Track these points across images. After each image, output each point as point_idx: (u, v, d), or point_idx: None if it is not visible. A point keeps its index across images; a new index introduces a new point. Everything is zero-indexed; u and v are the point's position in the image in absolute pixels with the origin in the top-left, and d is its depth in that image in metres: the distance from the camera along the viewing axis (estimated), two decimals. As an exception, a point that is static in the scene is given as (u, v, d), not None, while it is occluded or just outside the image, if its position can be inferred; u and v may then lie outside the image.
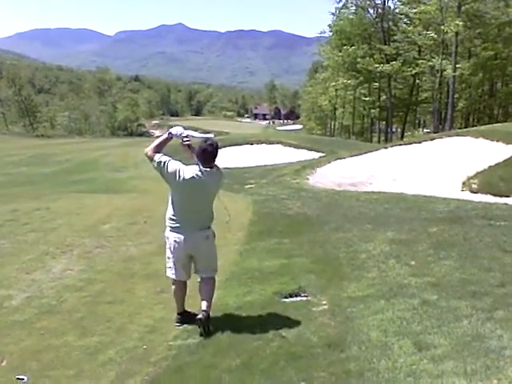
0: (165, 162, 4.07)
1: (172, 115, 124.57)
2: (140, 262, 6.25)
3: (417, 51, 45.10)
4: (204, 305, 4.07)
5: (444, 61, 38.23)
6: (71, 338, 4.18)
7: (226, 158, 19.46)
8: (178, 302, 4.35)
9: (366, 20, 47.89)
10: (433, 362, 3.14)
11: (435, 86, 41.88)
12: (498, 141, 14.85)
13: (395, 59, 43.35)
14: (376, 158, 16.93)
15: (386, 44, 44.88)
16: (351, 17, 48.18)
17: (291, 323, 4.01)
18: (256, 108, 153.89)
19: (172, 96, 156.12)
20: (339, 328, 3.83)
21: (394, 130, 51.44)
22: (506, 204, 9.29)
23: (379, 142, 45.72)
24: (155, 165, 4.11)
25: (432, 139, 18.23)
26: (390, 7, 46.97)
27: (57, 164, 24.40)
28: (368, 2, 46.35)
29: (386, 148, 18.81)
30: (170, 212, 4.15)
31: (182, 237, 4.08)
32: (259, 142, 26.87)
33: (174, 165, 4.07)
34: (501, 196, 10.87)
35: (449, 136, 18.11)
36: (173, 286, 4.36)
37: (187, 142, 4.18)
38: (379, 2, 45.94)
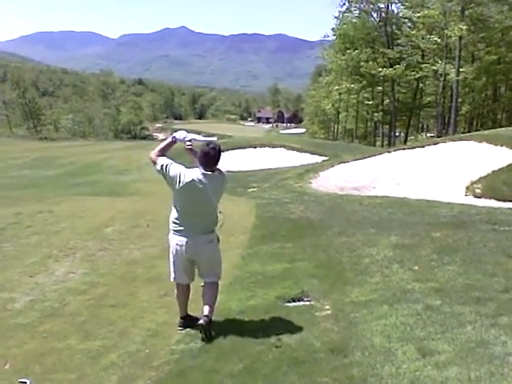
0: (167, 165, 4.08)
1: (175, 118, 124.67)
2: (143, 266, 6.25)
3: (420, 55, 45.13)
4: (206, 309, 4.05)
5: (447, 65, 38.27)
6: (74, 342, 4.17)
7: (228, 162, 19.47)
8: (180, 305, 4.34)
9: (370, 24, 47.96)
10: (436, 369, 3.13)
11: (439, 90, 41.89)
12: (501, 145, 14.81)
13: (399, 63, 43.41)
14: (379, 162, 16.91)
15: (389, 48, 44.92)
16: (355, 21, 48.25)
17: (294, 328, 3.99)
18: (259, 111, 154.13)
19: (175, 99, 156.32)
20: (342, 333, 3.81)
21: (397, 134, 51.40)
22: (509, 209, 9.25)
23: (382, 146, 45.72)
24: (158, 168, 4.13)
25: (435, 143, 18.20)
26: (393, 11, 47.14)
27: (60, 167, 24.46)
28: (371, 6, 46.45)
29: (389, 152, 18.80)
30: (172, 215, 4.15)
31: (184, 240, 4.07)
32: (262, 146, 26.90)
33: (175, 168, 4.08)
34: (505, 201, 10.83)
35: (452, 140, 18.08)
36: (175, 290, 4.36)
37: (189, 146, 4.24)
38: (383, 6, 46.06)
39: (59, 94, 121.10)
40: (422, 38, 40.85)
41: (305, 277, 5.28)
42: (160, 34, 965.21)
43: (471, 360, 3.18)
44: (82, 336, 4.27)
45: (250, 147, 26.84)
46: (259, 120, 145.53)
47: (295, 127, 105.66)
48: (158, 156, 4.16)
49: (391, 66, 43.05)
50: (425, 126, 62.90)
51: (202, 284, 4.27)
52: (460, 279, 4.80)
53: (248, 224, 8.24)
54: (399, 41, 47.58)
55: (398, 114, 47.76)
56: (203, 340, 3.95)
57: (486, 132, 20.99)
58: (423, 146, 18.15)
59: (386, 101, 48.15)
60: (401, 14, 46.40)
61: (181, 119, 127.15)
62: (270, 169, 18.77)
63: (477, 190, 11.89)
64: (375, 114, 49.30)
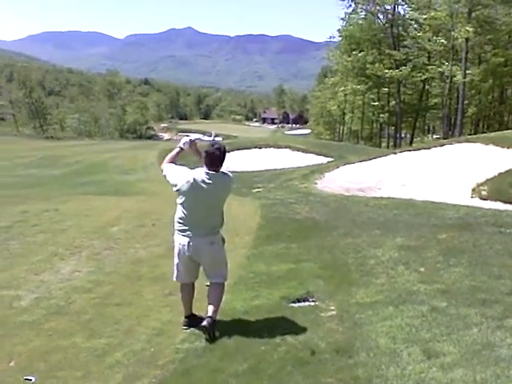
0: (171, 168, 4.20)
1: (181, 118, 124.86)
2: (148, 265, 6.26)
3: (426, 57, 45.00)
4: (210, 310, 4.06)
5: (454, 67, 38.15)
6: (79, 340, 4.18)
7: (234, 162, 19.51)
8: (185, 305, 4.35)
9: (376, 25, 47.84)
10: (442, 370, 3.12)
11: (445, 91, 41.77)
12: (508, 147, 14.74)
13: (405, 65, 43.27)
14: (385, 163, 16.86)
15: (395, 49, 44.78)
16: (361, 22, 48.17)
17: (299, 328, 3.99)
18: (264, 112, 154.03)
19: (181, 99, 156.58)
20: (347, 334, 3.81)
21: (403, 135, 51.28)
22: (516, 211, 9.21)
23: (388, 147, 45.59)
24: (164, 173, 4.25)
25: (441, 145, 18.13)
26: (399, 13, 46.97)
27: (66, 166, 24.52)
28: (378, 8, 46.32)
29: (394, 153, 18.74)
30: (177, 215, 4.16)
31: (186, 240, 4.08)
32: (267, 146, 26.91)
33: (179, 169, 4.16)
34: (511, 203, 10.77)
35: (458, 142, 18.01)
36: (180, 289, 4.37)
37: (196, 140, 4.40)
38: (389, 7, 45.92)
39: (65, 94, 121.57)
40: (429, 40, 40.75)
41: (310, 277, 5.27)
42: (166, 35, 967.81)
43: (477, 362, 3.17)
44: (88, 334, 4.29)
45: (256, 148, 26.85)
46: (264, 121, 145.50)
47: (300, 128, 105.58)
48: (166, 163, 4.30)
49: (397, 68, 42.94)
50: (431, 128, 62.78)
51: (208, 283, 4.28)
52: (466, 281, 4.78)
53: (253, 224, 8.24)
54: (405, 42, 47.47)
55: (404, 116, 47.63)
56: (207, 340, 3.95)
57: (492, 134, 20.91)
58: (429, 148, 18.08)
59: (392, 102, 48.02)
60: (407, 16, 46.28)
61: (186, 119, 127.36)
62: (275, 169, 18.77)
63: (483, 192, 11.83)
64: (381, 116, 49.18)
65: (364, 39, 47.64)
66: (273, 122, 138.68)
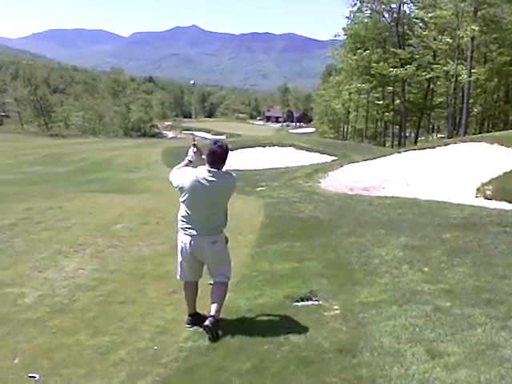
0: (173, 172, 4.24)
1: (185, 117, 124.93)
2: (152, 263, 6.27)
3: (432, 56, 44.83)
4: (213, 309, 4.06)
5: (459, 66, 37.97)
6: (83, 337, 4.19)
7: (237, 160, 19.52)
8: (188, 303, 4.35)
9: (381, 24, 47.74)
10: (446, 371, 3.11)
11: (450, 90, 41.61)
12: (513, 147, 14.66)
13: (410, 63, 43.14)
14: (389, 162, 16.82)
15: (400, 48, 44.65)
16: (366, 21, 48.05)
17: (302, 327, 3.98)
18: (269, 111, 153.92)
19: (185, 97, 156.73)
20: (351, 333, 3.80)
21: (407, 134, 51.17)
22: (521, 211, 9.16)
23: (392, 146, 45.51)
24: (170, 181, 4.25)
25: (446, 144, 18.05)
26: (405, 11, 46.87)
27: (71, 163, 24.62)
28: (383, 7, 46.17)
29: (399, 152, 18.68)
30: (180, 213, 4.17)
31: (188, 239, 4.09)
32: (271, 145, 26.92)
33: (181, 171, 4.20)
34: (516, 203, 10.72)
35: (463, 141, 17.93)
36: (183, 287, 4.38)
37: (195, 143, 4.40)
38: (394, 6, 45.80)
39: (70, 92, 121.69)
40: (434, 39, 40.60)
41: (313, 276, 5.26)
42: (171, 33, 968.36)
43: (481, 362, 3.16)
44: (92, 332, 4.30)
45: (259, 146, 26.87)
46: (268, 119, 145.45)
47: (305, 126, 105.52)
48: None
49: (402, 67, 42.82)
50: (435, 127, 62.61)
51: (211, 282, 4.28)
52: (470, 281, 4.77)
53: (257, 223, 8.24)
54: (410, 41, 47.33)
55: (409, 115, 47.48)
56: (210, 340, 3.96)
57: (497, 133, 20.82)
58: (434, 147, 18.01)
59: (397, 101, 47.93)
60: (413, 15, 46.14)
61: (190, 117, 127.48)
62: (279, 168, 18.74)
63: (487, 192, 11.77)
64: (385, 114, 49.06)
65: (369, 38, 47.56)
66: (277, 120, 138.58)
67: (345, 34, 50.34)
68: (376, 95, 49.73)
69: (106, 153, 29.06)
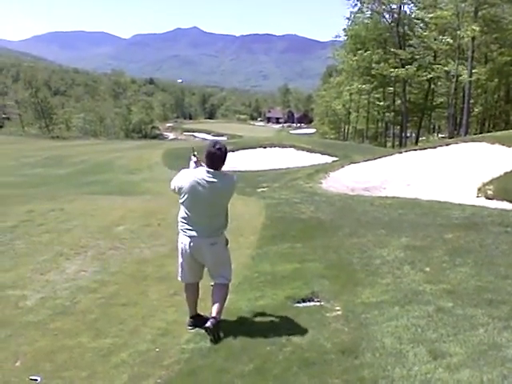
0: (174, 179, 4.19)
1: (186, 118, 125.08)
2: (153, 265, 6.27)
3: (432, 56, 44.86)
4: (214, 311, 4.05)
5: (460, 66, 37.98)
6: (85, 340, 4.19)
7: (238, 161, 19.52)
8: (190, 305, 4.35)
9: (382, 25, 47.76)
10: (448, 371, 3.10)
11: (451, 91, 41.62)
12: (514, 147, 14.64)
13: (410, 64, 43.14)
14: (390, 162, 16.81)
15: (401, 49, 44.64)
16: (366, 21, 48.09)
17: (304, 329, 3.98)
18: (269, 111, 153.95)
19: (186, 99, 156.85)
20: (353, 334, 3.79)
21: (408, 134, 51.12)
22: (522, 211, 9.14)
23: (393, 146, 45.47)
24: (171, 188, 4.21)
25: (447, 144, 18.05)
26: (405, 12, 46.84)
27: (72, 165, 24.61)
28: (384, 7, 46.17)
29: (400, 153, 18.68)
30: (180, 214, 4.17)
31: (188, 240, 4.09)
32: (272, 146, 26.92)
33: (180, 174, 4.17)
34: (517, 203, 10.70)
35: (464, 141, 17.92)
36: (184, 289, 4.38)
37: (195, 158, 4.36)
38: (395, 6, 45.75)
39: (71, 94, 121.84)
40: (435, 39, 40.63)
41: (315, 277, 5.26)
42: (172, 34, 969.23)
43: (483, 363, 3.15)
44: (93, 334, 4.29)
45: (260, 147, 26.87)
46: (269, 120, 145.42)
47: (305, 127, 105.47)
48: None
49: (403, 67, 42.80)
50: (436, 127, 62.57)
51: (212, 283, 4.27)
52: (472, 281, 4.76)
53: (258, 224, 8.23)
54: (411, 41, 47.33)
55: (410, 115, 47.47)
56: (211, 341, 3.95)
57: (498, 133, 20.80)
58: (435, 147, 18.00)
59: (398, 101, 47.91)
60: (413, 15, 46.15)
61: (191, 119, 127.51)
62: (279, 169, 18.73)
63: (489, 192, 11.76)
64: (386, 115, 49.08)
65: (370, 38, 47.56)
66: (277, 121, 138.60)
67: (345, 35, 50.33)
68: (377, 96, 49.74)
69: (107, 155, 29.05)
